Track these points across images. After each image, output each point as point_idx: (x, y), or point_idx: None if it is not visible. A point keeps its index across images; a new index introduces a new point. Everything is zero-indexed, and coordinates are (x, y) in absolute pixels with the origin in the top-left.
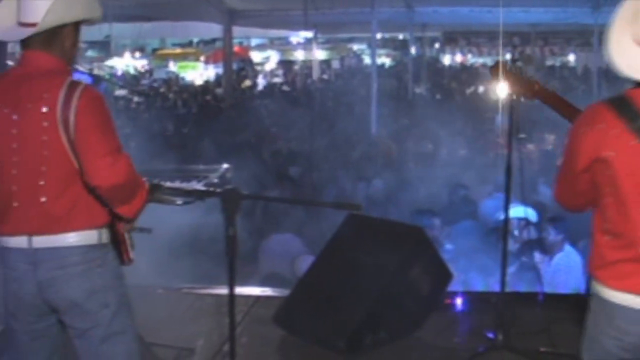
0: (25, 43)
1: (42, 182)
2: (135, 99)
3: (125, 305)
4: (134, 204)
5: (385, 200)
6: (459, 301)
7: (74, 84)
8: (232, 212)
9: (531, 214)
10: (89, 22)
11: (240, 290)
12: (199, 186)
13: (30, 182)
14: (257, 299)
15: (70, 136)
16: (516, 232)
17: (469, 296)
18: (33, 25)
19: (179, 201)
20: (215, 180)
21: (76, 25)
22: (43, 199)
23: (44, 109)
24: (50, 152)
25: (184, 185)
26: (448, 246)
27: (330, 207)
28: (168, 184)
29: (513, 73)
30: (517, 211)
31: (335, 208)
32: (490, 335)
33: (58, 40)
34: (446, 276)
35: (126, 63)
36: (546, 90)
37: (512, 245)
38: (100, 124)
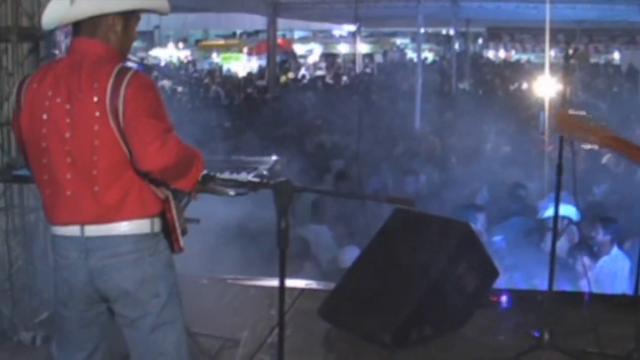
0: (74, 31)
1: (94, 172)
2: (179, 89)
3: (175, 295)
4: (191, 176)
5: (429, 195)
6: (504, 299)
7: (123, 72)
8: (285, 204)
9: (573, 213)
10: (151, 12)
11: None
12: (250, 178)
13: (83, 172)
14: (302, 291)
15: (120, 124)
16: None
17: (514, 294)
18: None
19: (232, 192)
20: (265, 172)
21: (125, 16)
22: (95, 188)
23: (95, 99)
24: (102, 141)
25: (237, 177)
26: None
27: (383, 201)
28: (222, 175)
29: (579, 122)
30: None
31: (388, 202)
32: (536, 334)
33: (102, 28)
34: (492, 273)
35: (170, 54)
36: (617, 139)
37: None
38: (148, 109)
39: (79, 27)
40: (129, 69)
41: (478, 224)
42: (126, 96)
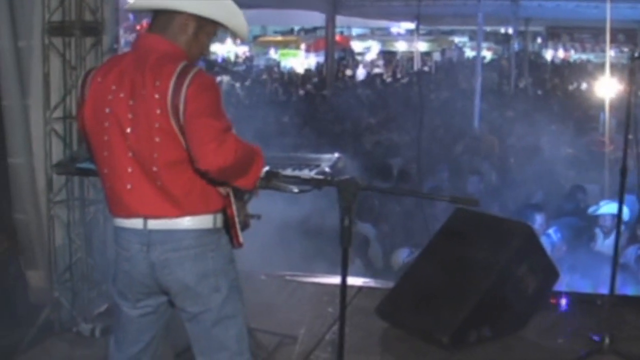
0: (149, 27)
1: (155, 168)
2: (237, 84)
3: (236, 289)
4: (250, 175)
5: (486, 195)
6: (563, 301)
7: (186, 70)
8: (349, 202)
9: (624, 212)
10: (229, 31)
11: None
12: (313, 175)
13: (145, 167)
14: (360, 289)
15: (180, 123)
16: (604, 229)
17: (574, 297)
18: None
19: (295, 189)
20: (327, 169)
21: (200, 21)
22: (158, 183)
23: (157, 96)
24: (162, 139)
25: (302, 174)
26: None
27: (446, 200)
28: (285, 172)
29: None
30: (611, 207)
31: (451, 202)
32: (596, 338)
33: (174, 26)
34: (553, 275)
35: (227, 49)
36: None
37: (603, 244)
38: (207, 109)
39: (152, 20)
40: (191, 67)
41: (536, 224)
42: (187, 95)
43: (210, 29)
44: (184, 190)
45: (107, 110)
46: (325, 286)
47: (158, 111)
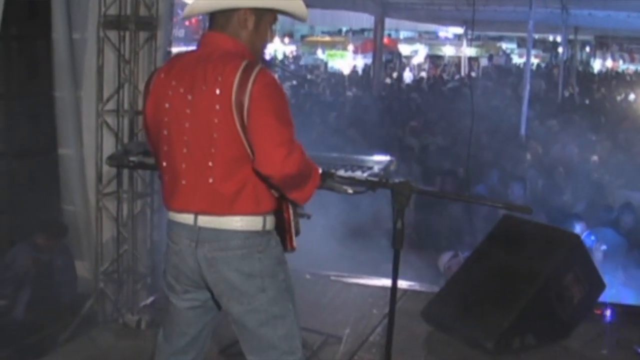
0: (209, 24)
1: (210, 164)
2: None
3: (286, 290)
4: (306, 190)
5: (532, 202)
6: (608, 312)
7: (250, 67)
8: (402, 204)
9: None
10: (289, 15)
11: (386, 282)
12: (366, 176)
13: (199, 163)
14: (405, 292)
15: (244, 120)
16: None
17: (619, 308)
18: None
19: (350, 190)
20: (379, 171)
21: (258, 12)
22: (210, 180)
23: (218, 92)
24: (220, 134)
25: (355, 175)
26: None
27: (499, 207)
28: (338, 172)
29: None
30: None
31: (504, 209)
32: None
33: (233, 22)
34: (599, 286)
35: (275, 48)
36: None
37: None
38: (275, 110)
39: (212, 19)
40: (255, 65)
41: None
42: (252, 92)
43: (269, 18)
44: (237, 187)
45: (166, 105)
46: (370, 288)
47: (217, 107)
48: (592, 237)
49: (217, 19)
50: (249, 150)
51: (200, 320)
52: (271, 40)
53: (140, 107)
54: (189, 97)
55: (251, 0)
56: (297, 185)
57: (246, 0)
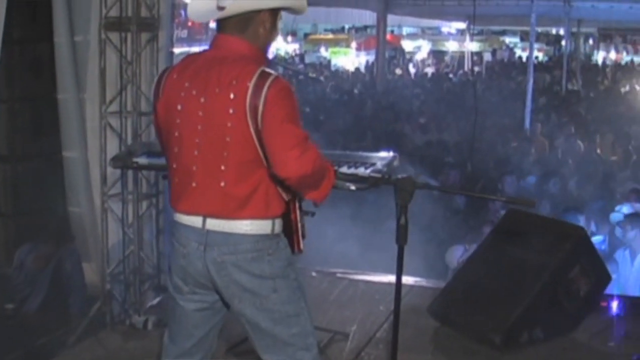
0: (220, 26)
1: (222, 167)
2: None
3: (297, 289)
4: (323, 188)
5: (536, 196)
6: (615, 304)
7: (265, 74)
8: (405, 200)
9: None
10: (291, 11)
11: (392, 279)
12: (369, 173)
13: (211, 166)
14: (411, 288)
15: (258, 124)
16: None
17: (626, 300)
18: (223, 8)
19: (353, 187)
20: (382, 168)
21: (273, 12)
22: (222, 184)
23: (232, 96)
24: (233, 138)
25: (358, 172)
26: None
27: (503, 201)
28: (341, 169)
29: None
30: (627, 209)
31: (508, 203)
32: None
33: (252, 25)
34: (605, 278)
35: (278, 46)
36: None
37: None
38: (289, 114)
39: (226, 22)
40: (270, 72)
41: None
42: (267, 97)
43: (279, 16)
44: (248, 191)
45: (179, 107)
46: (377, 284)
47: (231, 111)
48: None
49: (232, 21)
50: (261, 154)
51: (208, 322)
52: (276, 37)
53: (143, 108)
54: (202, 100)
55: (274, 2)
56: (313, 184)
57: (269, 2)
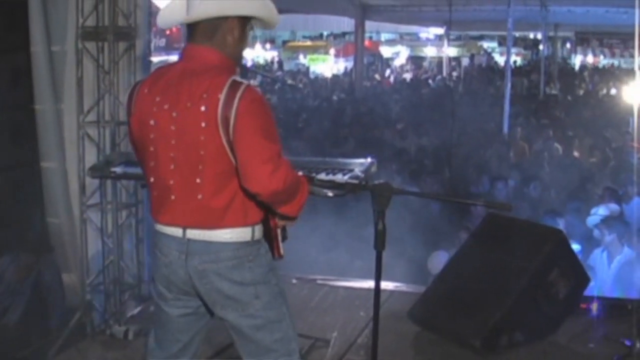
0: (189, 34)
1: (198, 180)
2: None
3: (279, 294)
4: (295, 203)
5: (516, 200)
6: (595, 306)
7: (236, 84)
8: (382, 206)
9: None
10: (260, 24)
11: (373, 284)
12: (347, 179)
13: (187, 179)
14: (392, 293)
15: (230, 136)
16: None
17: (605, 302)
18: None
19: (330, 193)
20: (360, 174)
21: (242, 21)
22: (199, 196)
23: (203, 109)
24: (207, 151)
25: (336, 178)
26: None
27: (479, 205)
28: (319, 176)
29: None
30: (603, 210)
31: (485, 206)
32: (628, 342)
33: (219, 33)
34: (584, 280)
35: (257, 54)
36: None
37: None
38: (261, 127)
39: (194, 30)
40: (241, 82)
41: None
42: (239, 109)
43: (249, 25)
44: (225, 202)
45: (151, 122)
46: (357, 290)
47: (203, 124)
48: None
49: (200, 29)
50: (235, 165)
51: (193, 326)
52: (247, 46)
53: (121, 117)
54: (174, 114)
55: (242, 9)
56: (285, 200)
57: (237, 9)
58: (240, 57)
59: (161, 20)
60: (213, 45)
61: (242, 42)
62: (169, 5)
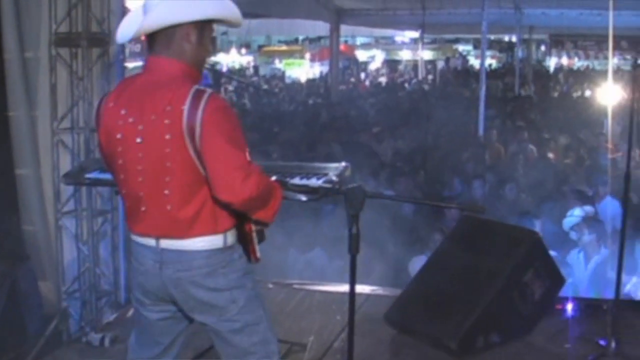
0: (148, 47)
1: (166, 192)
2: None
3: (255, 298)
4: (269, 208)
5: (492, 202)
6: (570, 306)
7: (199, 93)
8: (356, 210)
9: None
10: (224, 23)
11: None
12: (320, 183)
13: (156, 191)
14: (368, 297)
15: (196, 146)
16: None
17: (580, 302)
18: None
19: (304, 198)
20: (334, 178)
21: (199, 25)
22: (168, 207)
23: (167, 121)
24: (174, 163)
25: (309, 183)
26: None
27: (453, 208)
28: (293, 180)
29: None
30: (579, 212)
31: (459, 209)
32: (602, 342)
33: (175, 41)
34: (559, 281)
35: (232, 59)
36: None
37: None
38: (227, 134)
39: (153, 41)
40: (204, 90)
41: None
42: (204, 118)
43: (209, 28)
44: (194, 212)
45: (118, 135)
46: (333, 294)
47: (168, 136)
48: None
49: (158, 39)
50: (204, 174)
51: (173, 329)
52: (213, 50)
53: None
54: (140, 127)
55: (192, 14)
56: (259, 206)
57: (187, 15)
58: (202, 62)
59: (119, 35)
60: (171, 55)
61: (202, 47)
62: (126, 18)
